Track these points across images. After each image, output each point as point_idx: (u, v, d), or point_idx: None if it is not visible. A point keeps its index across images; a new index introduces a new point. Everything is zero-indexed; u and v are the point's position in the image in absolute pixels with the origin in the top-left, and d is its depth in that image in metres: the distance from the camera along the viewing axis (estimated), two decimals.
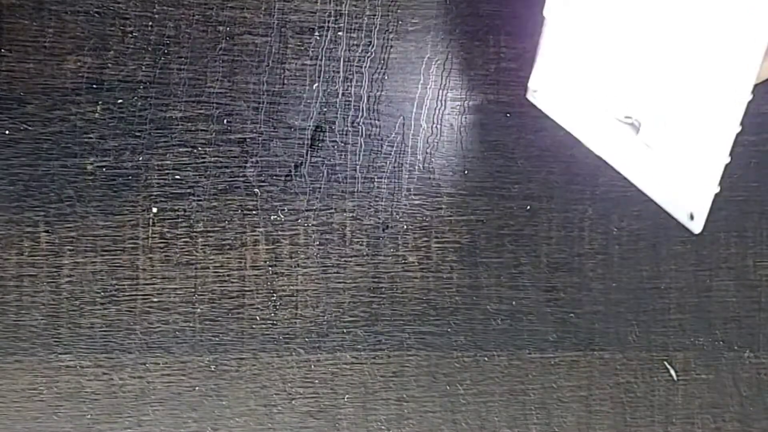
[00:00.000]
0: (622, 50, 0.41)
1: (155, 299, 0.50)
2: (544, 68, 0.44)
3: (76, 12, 0.50)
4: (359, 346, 0.50)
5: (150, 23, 0.50)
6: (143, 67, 0.50)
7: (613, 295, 0.50)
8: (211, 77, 0.50)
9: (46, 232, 0.50)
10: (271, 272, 0.50)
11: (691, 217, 0.39)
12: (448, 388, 0.51)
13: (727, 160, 0.37)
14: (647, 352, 0.50)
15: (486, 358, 0.51)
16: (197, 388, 0.51)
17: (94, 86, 0.50)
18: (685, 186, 0.39)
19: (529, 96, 0.45)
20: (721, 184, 0.37)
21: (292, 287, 0.50)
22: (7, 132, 0.50)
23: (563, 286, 0.50)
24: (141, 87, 0.50)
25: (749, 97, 0.36)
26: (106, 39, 0.50)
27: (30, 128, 0.50)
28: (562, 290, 0.50)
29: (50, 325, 0.50)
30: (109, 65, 0.50)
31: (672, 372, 0.50)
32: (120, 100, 0.50)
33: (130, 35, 0.50)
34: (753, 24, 0.36)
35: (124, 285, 0.51)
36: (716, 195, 0.37)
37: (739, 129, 0.37)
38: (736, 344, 0.51)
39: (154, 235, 0.50)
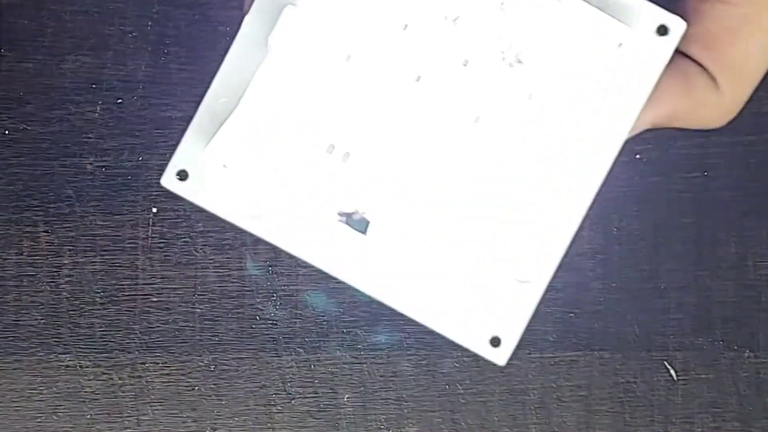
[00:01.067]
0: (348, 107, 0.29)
1: (155, 299, 0.50)
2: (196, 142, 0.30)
3: (75, 12, 0.50)
4: (359, 346, 0.50)
5: (149, 23, 0.50)
6: (143, 66, 0.50)
7: (613, 294, 0.50)
8: (211, 77, 0.50)
9: (46, 231, 0.50)
10: (270, 272, 0.50)
11: (495, 343, 0.31)
12: (447, 387, 0.51)
13: (552, 271, 0.29)
14: (647, 352, 0.50)
15: (485, 359, 0.50)
16: (197, 387, 0.50)
17: (94, 86, 0.50)
18: (474, 303, 0.30)
19: (166, 182, 0.30)
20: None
21: (292, 287, 0.50)
22: (6, 132, 0.50)
23: (563, 286, 0.50)
24: (140, 87, 0.50)
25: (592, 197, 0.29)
26: (106, 38, 0.50)
27: (29, 128, 0.50)
28: (561, 290, 0.50)
29: (50, 325, 0.50)
30: (109, 65, 0.50)
31: (671, 372, 0.50)
32: (119, 100, 0.50)
33: (130, 35, 0.50)
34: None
35: (123, 285, 0.50)
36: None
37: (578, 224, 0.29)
38: (736, 344, 0.50)
39: (154, 235, 0.50)
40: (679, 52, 0.29)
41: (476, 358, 0.50)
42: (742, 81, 0.29)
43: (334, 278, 0.50)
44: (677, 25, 0.27)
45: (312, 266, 0.31)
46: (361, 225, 0.29)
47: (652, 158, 0.50)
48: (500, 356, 0.30)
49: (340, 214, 0.30)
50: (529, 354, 0.50)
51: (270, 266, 0.50)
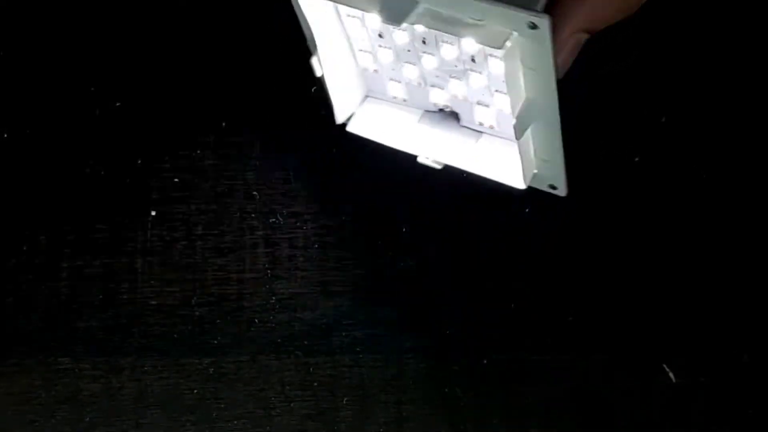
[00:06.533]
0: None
1: (153, 302, 0.51)
2: (344, 96, 0.44)
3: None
4: (358, 349, 0.50)
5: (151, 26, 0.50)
6: (142, 72, 0.50)
7: (612, 296, 0.50)
8: (211, 80, 0.50)
9: (44, 235, 0.50)
10: (269, 275, 0.51)
11: (552, 188, 0.42)
12: (446, 390, 0.51)
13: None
14: (645, 354, 0.50)
15: (484, 361, 0.51)
16: (195, 391, 0.51)
17: (93, 89, 0.50)
18: (531, 161, 0.42)
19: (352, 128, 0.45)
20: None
21: (290, 290, 0.50)
22: (5, 136, 0.50)
23: (561, 288, 0.50)
24: (140, 90, 0.50)
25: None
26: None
27: (28, 131, 0.50)
28: (560, 292, 0.50)
29: (48, 328, 0.50)
30: (107, 69, 0.50)
31: (670, 375, 0.50)
32: (119, 102, 0.50)
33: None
34: None
35: (122, 288, 0.51)
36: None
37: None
38: (734, 347, 0.51)
39: (153, 238, 0.50)
40: None
41: (475, 360, 0.50)
42: None
43: (332, 281, 0.50)
44: (543, 20, 0.35)
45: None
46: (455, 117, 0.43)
47: (650, 161, 0.50)
48: (561, 192, 0.42)
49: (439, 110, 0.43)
50: (528, 357, 0.50)
51: (269, 269, 0.50)
